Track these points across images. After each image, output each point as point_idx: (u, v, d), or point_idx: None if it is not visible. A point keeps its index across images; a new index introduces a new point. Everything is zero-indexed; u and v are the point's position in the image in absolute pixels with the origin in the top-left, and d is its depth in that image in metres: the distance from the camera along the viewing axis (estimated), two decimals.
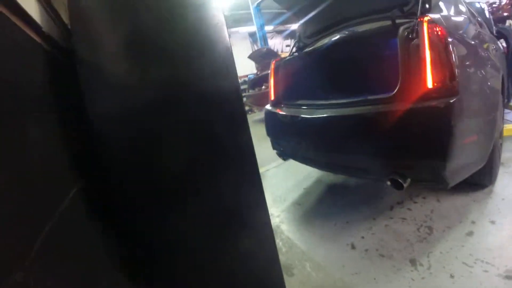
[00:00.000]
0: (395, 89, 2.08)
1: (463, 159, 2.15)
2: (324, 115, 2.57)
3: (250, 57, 11.15)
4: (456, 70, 1.94)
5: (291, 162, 4.11)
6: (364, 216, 2.97)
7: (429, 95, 1.92)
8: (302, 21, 3.48)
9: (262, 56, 10.87)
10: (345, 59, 3.18)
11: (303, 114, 2.77)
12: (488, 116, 2.47)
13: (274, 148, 3.42)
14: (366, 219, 2.91)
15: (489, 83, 2.58)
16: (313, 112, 2.69)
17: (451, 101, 1.85)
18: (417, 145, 2.06)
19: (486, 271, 2.00)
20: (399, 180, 2.27)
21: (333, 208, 3.24)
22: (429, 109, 1.91)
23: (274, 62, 3.44)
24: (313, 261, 2.51)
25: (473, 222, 2.59)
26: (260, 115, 10.44)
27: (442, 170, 2.01)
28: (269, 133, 3.44)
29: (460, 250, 2.23)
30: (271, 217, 1.90)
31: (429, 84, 1.91)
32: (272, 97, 3.44)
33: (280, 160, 4.21)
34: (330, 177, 4.12)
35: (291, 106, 3.06)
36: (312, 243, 2.67)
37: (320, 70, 3.34)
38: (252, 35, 18.87)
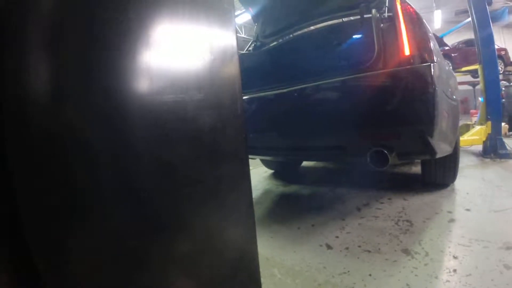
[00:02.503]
0: (371, 60, 2.16)
1: (443, 130, 2.25)
2: (294, 93, 2.51)
3: None
4: (430, 41, 2.18)
5: None
6: (331, 218, 2.71)
7: (407, 61, 2.05)
8: (261, 21, 3.54)
9: None
10: (312, 46, 3.04)
11: (270, 96, 2.71)
12: (453, 101, 2.70)
13: None
14: (333, 221, 2.65)
15: (448, 70, 2.82)
16: (281, 93, 2.61)
17: (431, 64, 2.01)
18: (403, 109, 2.09)
19: (486, 247, 2.02)
20: (385, 151, 2.08)
21: (292, 214, 2.96)
22: (411, 70, 2.03)
23: None
24: (283, 267, 2.01)
25: (449, 212, 2.62)
26: None
27: (430, 135, 2.04)
28: None
29: (450, 235, 2.24)
30: None
31: (407, 51, 2.05)
32: None
33: None
34: (280, 188, 3.93)
35: (253, 93, 2.86)
36: (276, 248, 2.28)
37: (285, 59, 3.11)
38: None
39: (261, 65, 3.17)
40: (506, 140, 5.06)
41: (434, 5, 15.87)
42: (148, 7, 0.99)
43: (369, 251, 2.08)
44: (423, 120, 2.03)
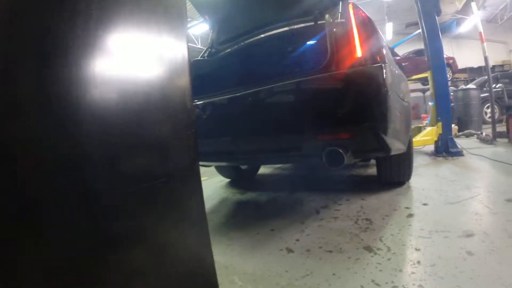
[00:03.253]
0: (324, 62, 2.22)
1: (396, 128, 2.34)
2: (249, 96, 2.51)
3: None
4: (381, 44, 2.34)
5: None
6: (290, 222, 2.66)
7: (359, 62, 2.14)
8: (217, 28, 3.55)
9: None
10: (267, 52, 3.11)
11: (224, 101, 2.69)
12: (405, 102, 2.82)
13: None
14: (293, 224, 2.60)
15: (399, 73, 2.94)
16: (236, 97, 2.59)
17: (382, 64, 2.12)
18: (357, 108, 2.15)
19: (446, 237, 2.07)
20: (340, 150, 2.11)
21: (250, 220, 2.90)
22: (364, 71, 2.12)
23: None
24: (243, 273, 1.92)
25: (407, 208, 2.68)
26: None
27: (384, 133, 2.11)
28: None
29: (409, 229, 2.28)
30: None
31: (359, 53, 2.14)
32: None
33: None
34: (236, 196, 3.85)
35: (208, 98, 2.81)
36: (235, 256, 2.19)
37: (240, 65, 3.13)
38: None
39: (216, 71, 3.17)
40: (456, 140, 5.33)
41: (386, 17, 16.70)
42: (98, 15, 1.00)
43: (330, 251, 2.04)
44: (377, 118, 2.10)
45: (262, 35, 3.22)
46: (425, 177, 3.76)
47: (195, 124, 1.33)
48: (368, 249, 2.01)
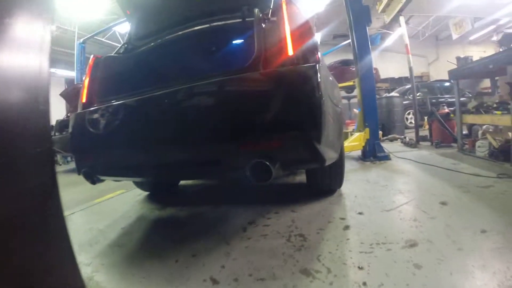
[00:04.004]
0: (250, 60, 2.05)
1: (330, 136, 2.17)
2: (161, 98, 2.23)
3: (62, 94, 9.29)
4: (315, 43, 2.16)
5: (104, 204, 4.00)
6: (214, 244, 2.31)
7: (291, 61, 1.99)
8: (135, 22, 3.20)
9: (77, 95, 9.02)
10: (188, 48, 2.79)
11: (132, 103, 2.39)
12: (338, 107, 2.72)
13: (79, 168, 2.74)
14: (217, 247, 2.26)
15: (331, 79, 2.78)
16: (145, 99, 2.32)
17: (316, 64, 1.94)
18: (287, 113, 1.92)
19: (389, 249, 1.93)
20: (267, 163, 1.84)
21: (168, 243, 2.52)
22: (296, 70, 1.95)
23: (94, 57, 2.99)
24: None
25: (342, 218, 2.51)
26: (65, 167, 9.91)
27: (317, 142, 1.91)
28: (75, 146, 2.86)
29: (348, 243, 2.08)
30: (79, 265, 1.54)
31: (290, 51, 1.99)
32: (84, 99, 2.85)
33: (89, 202, 4.08)
34: (155, 212, 3.41)
35: (115, 100, 2.55)
36: None
37: (157, 61, 2.83)
38: (70, 82, 15.91)
39: (129, 69, 2.87)
40: (382, 144, 5.43)
41: (315, 28, 17.35)
42: None
43: (263, 279, 1.74)
44: (310, 125, 1.91)
45: (185, 31, 2.93)
46: (355, 183, 3.66)
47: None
48: (306, 272, 1.75)
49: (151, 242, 2.58)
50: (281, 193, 3.63)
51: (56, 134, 9.46)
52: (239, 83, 2.00)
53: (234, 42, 2.46)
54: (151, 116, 2.25)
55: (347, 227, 2.31)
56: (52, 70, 17.54)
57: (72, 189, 5.18)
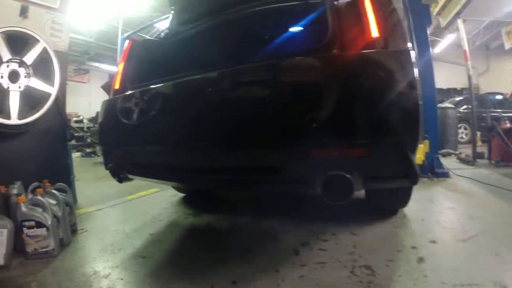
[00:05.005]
0: (324, 40, 1.67)
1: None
2: (204, 83, 1.92)
3: (103, 87, 9.71)
4: (403, 22, 1.73)
5: (135, 203, 3.82)
6: (260, 269, 1.91)
7: (374, 45, 1.59)
8: (177, 8, 2.94)
9: None
10: (238, 32, 2.46)
11: (172, 87, 2.14)
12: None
13: (106, 164, 2.56)
14: (264, 273, 1.85)
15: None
16: (187, 82, 2.04)
17: (408, 48, 1.57)
18: (377, 112, 1.50)
19: None
20: (349, 177, 1.45)
21: (202, 261, 2.14)
22: (387, 55, 1.57)
23: (130, 41, 2.78)
24: None
25: (414, 247, 2.11)
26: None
27: (411, 152, 1.50)
28: (103, 137, 2.70)
29: (427, 283, 1.68)
30: (94, 277, 1.65)
31: (374, 32, 1.59)
32: (118, 85, 2.65)
33: (120, 199, 3.92)
34: (189, 219, 3.11)
35: (153, 84, 2.26)
36: None
37: (206, 45, 2.53)
38: (113, 77, 16.42)
39: (171, 54, 2.65)
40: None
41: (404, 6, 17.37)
42: None
43: None
44: (406, 130, 1.50)
45: (240, 11, 2.52)
46: (418, 202, 3.17)
47: None
48: None
49: (182, 257, 2.25)
50: (335, 209, 3.14)
51: (95, 125, 9.75)
52: (315, 64, 1.62)
53: (301, 23, 2.05)
54: (193, 103, 1.92)
55: (421, 260, 1.91)
56: (96, 64, 18.48)
57: (104, 182, 5.07)
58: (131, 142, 2.37)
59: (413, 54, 1.52)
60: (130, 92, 2.40)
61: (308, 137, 1.56)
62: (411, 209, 2.88)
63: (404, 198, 2.64)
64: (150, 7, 12.99)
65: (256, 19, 2.35)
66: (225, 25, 2.50)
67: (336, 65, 1.57)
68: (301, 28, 2.00)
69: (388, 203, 2.72)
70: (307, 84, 1.61)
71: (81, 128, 12.49)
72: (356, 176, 1.44)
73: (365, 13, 1.63)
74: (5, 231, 2.09)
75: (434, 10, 8.25)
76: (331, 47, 1.63)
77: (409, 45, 1.62)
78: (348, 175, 1.41)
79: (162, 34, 3.02)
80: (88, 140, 10.76)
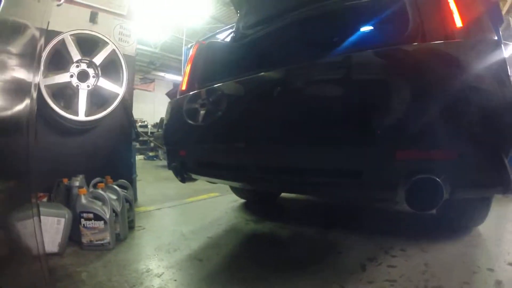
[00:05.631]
0: (406, 32, 1.60)
1: None
2: (278, 77, 1.90)
3: (168, 94, 10.34)
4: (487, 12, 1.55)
5: (195, 206, 3.86)
6: (324, 283, 1.80)
7: (458, 36, 1.48)
8: (244, 11, 3.01)
9: None
10: (309, 31, 2.43)
11: (238, 85, 2.12)
12: None
13: (169, 163, 2.61)
14: None
15: None
16: (258, 79, 1.99)
17: (496, 39, 1.43)
18: (471, 111, 1.36)
19: None
20: (439, 181, 1.29)
21: (262, 270, 2.05)
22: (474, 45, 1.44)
23: (197, 43, 2.86)
24: None
25: (490, 270, 1.92)
26: (164, 162, 10.25)
27: (506, 154, 1.35)
28: (168, 137, 2.75)
29: None
30: (147, 275, 1.68)
31: (458, 22, 1.48)
32: (184, 86, 2.68)
33: (180, 200, 4.00)
34: (250, 225, 3.01)
35: (221, 83, 2.26)
36: None
37: (275, 46, 2.55)
38: (177, 85, 17.66)
39: (239, 55, 2.70)
40: None
41: None
42: None
43: None
44: (502, 129, 1.34)
45: (311, 10, 2.46)
46: (493, 220, 2.82)
47: None
48: None
49: (241, 264, 2.18)
50: (402, 222, 3.02)
51: (159, 130, 10.55)
52: (399, 57, 1.50)
53: (379, 13, 1.96)
54: (265, 101, 1.87)
55: (498, 283, 1.73)
56: (161, 74, 19.69)
57: (165, 184, 5.25)
58: (197, 141, 2.36)
59: (502, 46, 1.38)
60: (197, 91, 2.40)
61: (393, 137, 1.44)
62: (486, 227, 2.63)
63: (481, 213, 2.42)
64: (212, 18, 13.43)
65: (332, 15, 2.27)
66: (296, 25, 2.45)
67: (421, 58, 1.44)
68: (380, 21, 1.91)
69: (463, 219, 2.50)
70: (390, 79, 1.50)
71: (145, 133, 13.12)
72: (445, 181, 1.30)
73: (447, 1, 1.50)
74: (63, 220, 2.17)
75: (503, 8, 7.55)
76: (413, 39, 1.52)
77: (496, 37, 1.46)
78: (438, 179, 1.28)
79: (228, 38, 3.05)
80: (151, 144, 11.33)
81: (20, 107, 0.84)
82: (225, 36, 3.70)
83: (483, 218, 2.46)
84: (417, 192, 1.31)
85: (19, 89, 0.82)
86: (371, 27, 1.94)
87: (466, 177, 1.42)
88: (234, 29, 3.12)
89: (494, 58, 1.34)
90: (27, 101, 1.01)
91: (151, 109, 19.03)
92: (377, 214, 3.27)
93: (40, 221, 1.70)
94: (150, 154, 12.09)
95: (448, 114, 1.35)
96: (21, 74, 0.69)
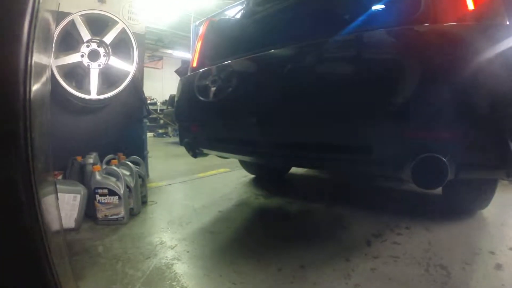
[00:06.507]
0: (418, 11, 1.57)
1: None
2: (288, 54, 1.93)
3: (177, 71, 10.35)
4: None
5: (205, 181, 3.95)
6: (329, 256, 1.90)
7: (470, 19, 1.48)
8: None
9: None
10: (320, 8, 2.35)
11: (250, 62, 2.13)
12: None
13: (181, 138, 2.67)
14: (333, 261, 1.83)
15: None
16: (270, 55, 2.00)
17: (507, 23, 1.42)
18: (478, 91, 1.39)
19: None
20: (444, 159, 1.33)
21: (271, 243, 2.14)
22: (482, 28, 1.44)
23: (208, 20, 2.85)
24: None
25: (491, 253, 1.96)
26: (174, 139, 10.44)
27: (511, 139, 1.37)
28: (180, 114, 2.76)
29: None
30: (160, 247, 1.71)
31: (470, 5, 1.47)
32: (195, 63, 2.69)
33: (190, 176, 4.10)
34: (259, 200, 3.15)
35: (232, 59, 2.28)
36: None
37: (287, 21, 2.50)
38: (185, 62, 17.50)
39: (251, 31, 2.68)
40: None
41: None
42: None
43: None
44: (509, 112, 1.34)
45: None
46: (497, 205, 2.84)
47: None
48: None
49: (250, 237, 2.26)
50: (407, 202, 3.06)
51: (169, 107, 10.48)
52: (402, 39, 1.53)
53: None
54: (276, 77, 1.90)
55: (499, 267, 1.77)
56: (169, 51, 19.28)
57: (175, 160, 5.41)
58: (208, 117, 2.40)
59: None
60: (208, 67, 2.42)
61: (402, 115, 1.47)
62: (490, 212, 2.69)
63: (486, 197, 2.45)
64: None
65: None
66: (307, 2, 2.45)
67: (432, 39, 1.46)
68: (392, 1, 1.90)
69: (468, 202, 2.54)
70: (401, 58, 1.52)
71: (155, 110, 13.09)
72: (450, 161, 1.34)
73: None
74: (78, 196, 2.26)
75: None
76: (424, 20, 1.52)
77: (508, 22, 1.45)
78: (444, 158, 1.32)
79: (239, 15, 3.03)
80: (161, 121, 11.40)
81: (37, 87, 0.87)
82: (235, 13, 3.68)
83: (487, 201, 2.50)
84: (423, 169, 1.35)
85: (36, 72, 0.85)
86: (383, 6, 1.93)
87: (470, 159, 1.45)
88: (244, 6, 3.11)
89: (504, 43, 1.35)
90: (43, 82, 1.04)
91: (160, 87, 19.01)
92: (383, 193, 3.32)
93: (57, 198, 1.79)
94: (160, 131, 12.18)
95: (456, 96, 1.37)
96: (36, 57, 0.71)
